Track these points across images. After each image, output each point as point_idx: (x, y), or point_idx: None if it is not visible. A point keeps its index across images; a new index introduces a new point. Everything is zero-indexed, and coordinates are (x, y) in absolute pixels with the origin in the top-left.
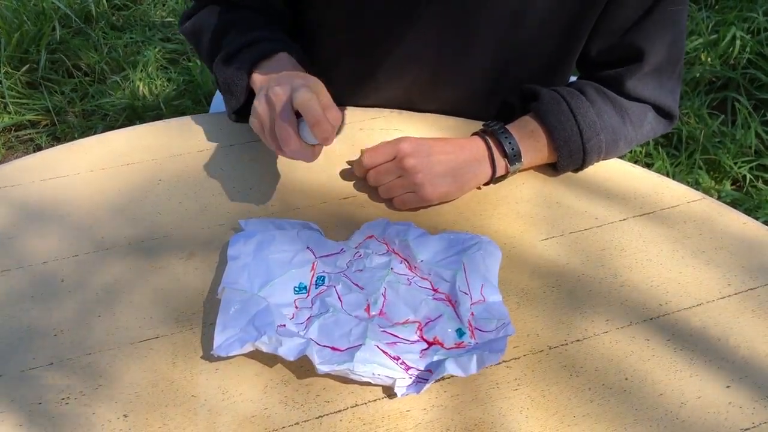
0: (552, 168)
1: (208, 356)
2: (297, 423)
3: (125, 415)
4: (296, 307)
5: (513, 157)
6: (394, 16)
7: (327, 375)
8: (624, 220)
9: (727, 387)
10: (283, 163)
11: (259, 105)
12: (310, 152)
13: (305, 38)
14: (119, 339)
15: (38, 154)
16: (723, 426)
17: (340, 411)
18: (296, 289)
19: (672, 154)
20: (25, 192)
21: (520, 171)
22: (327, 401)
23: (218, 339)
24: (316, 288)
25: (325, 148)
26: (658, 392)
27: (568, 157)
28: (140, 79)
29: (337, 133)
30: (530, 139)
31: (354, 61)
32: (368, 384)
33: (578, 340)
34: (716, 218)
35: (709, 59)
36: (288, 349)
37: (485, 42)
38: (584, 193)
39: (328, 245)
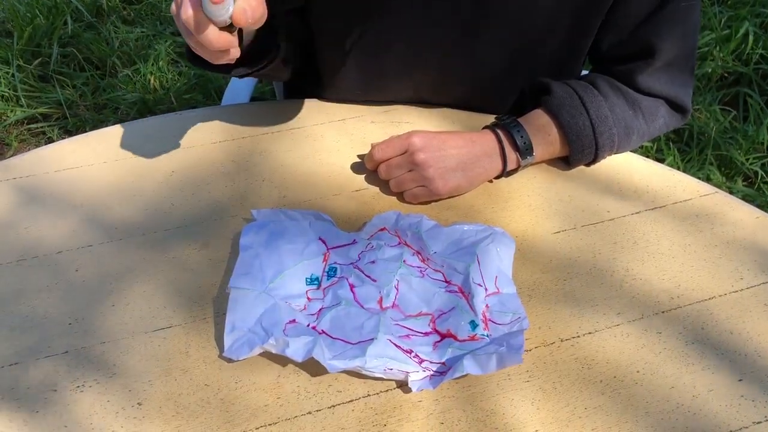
0: (564, 162)
1: (221, 346)
2: (309, 412)
3: (139, 404)
4: (308, 299)
5: (524, 151)
6: (398, 17)
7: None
8: (636, 213)
9: (740, 380)
10: (294, 155)
11: None
12: (211, 30)
13: (311, 45)
14: (133, 328)
15: (52, 145)
16: (735, 419)
17: (352, 401)
18: (308, 280)
19: (683, 150)
20: (39, 183)
21: (531, 165)
22: (339, 391)
23: (228, 341)
24: (328, 279)
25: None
26: (670, 385)
27: (580, 151)
28: (151, 73)
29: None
30: (542, 132)
31: (361, 64)
32: (381, 378)
33: (590, 333)
34: (729, 212)
35: (721, 55)
36: (295, 350)
37: (492, 39)
38: (596, 187)
39: (340, 236)
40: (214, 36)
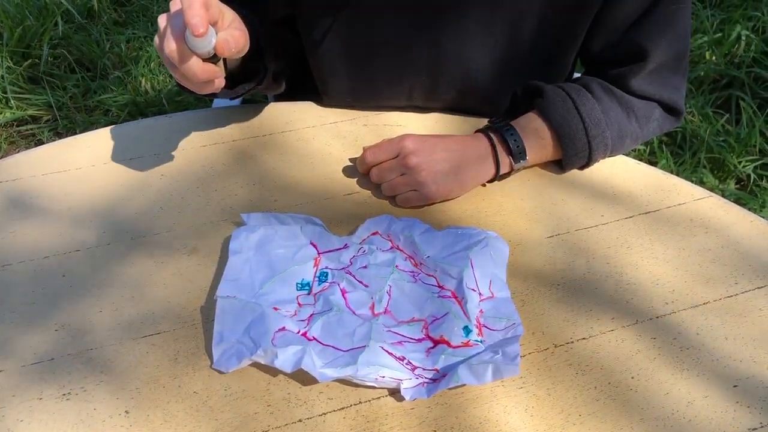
0: (557, 165)
1: (210, 352)
2: (300, 420)
3: (127, 412)
4: (299, 304)
5: (517, 155)
6: (386, 22)
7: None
8: (630, 217)
9: (735, 386)
10: (286, 158)
11: (159, 19)
12: (194, 62)
13: (306, 53)
14: (121, 334)
15: (40, 148)
16: (731, 425)
17: (343, 408)
18: (299, 285)
19: (676, 153)
20: (26, 186)
21: (524, 168)
22: (330, 398)
23: (216, 352)
24: (319, 284)
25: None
26: (665, 391)
27: (574, 154)
28: (143, 75)
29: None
30: (535, 136)
31: (352, 72)
32: (373, 387)
33: (584, 339)
34: (723, 216)
35: (713, 57)
36: (284, 361)
37: (483, 43)
38: (590, 191)
39: (331, 240)
40: (198, 68)
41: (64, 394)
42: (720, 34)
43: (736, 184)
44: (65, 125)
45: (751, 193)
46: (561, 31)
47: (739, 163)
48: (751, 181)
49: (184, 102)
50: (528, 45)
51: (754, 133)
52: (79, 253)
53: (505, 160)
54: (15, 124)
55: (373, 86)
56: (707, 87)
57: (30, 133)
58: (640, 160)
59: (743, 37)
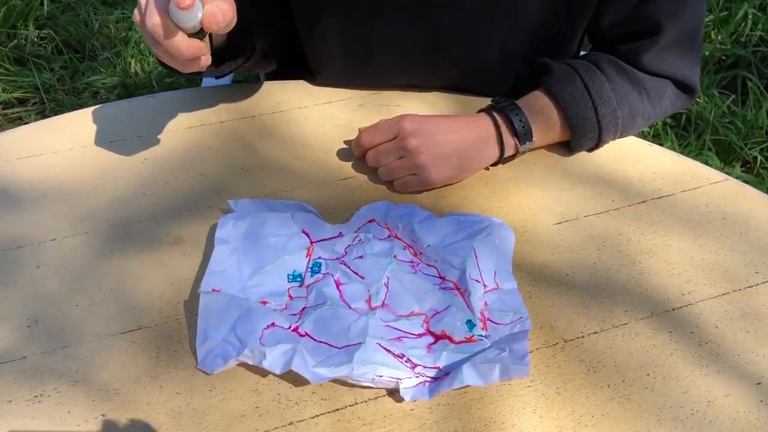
0: (565, 147)
1: (195, 350)
2: (291, 423)
3: (103, 415)
4: (290, 297)
5: (523, 136)
6: (387, 4)
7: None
8: (642, 202)
9: (758, 384)
10: (276, 141)
11: None
12: (179, 37)
13: (300, 33)
14: (98, 331)
15: (14, 130)
16: (754, 426)
17: (338, 410)
18: (290, 276)
19: (681, 135)
20: None
21: (530, 150)
22: (324, 399)
23: (201, 352)
24: (312, 276)
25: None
26: (683, 389)
27: (583, 135)
28: (132, 56)
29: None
30: (541, 115)
31: (350, 52)
32: (370, 387)
33: (595, 333)
34: (741, 201)
35: (719, 37)
36: (273, 361)
37: (483, 28)
38: (600, 174)
39: (325, 229)
40: (183, 44)
41: (35, 396)
42: (726, 13)
43: (742, 166)
44: (53, 108)
45: (758, 176)
46: (569, 9)
47: (746, 145)
48: (758, 163)
49: (175, 84)
50: (529, 32)
51: (761, 114)
52: (54, 243)
53: (509, 142)
54: (1, 107)
55: (372, 68)
56: (712, 67)
57: (17, 116)
58: None
59: (750, 16)
